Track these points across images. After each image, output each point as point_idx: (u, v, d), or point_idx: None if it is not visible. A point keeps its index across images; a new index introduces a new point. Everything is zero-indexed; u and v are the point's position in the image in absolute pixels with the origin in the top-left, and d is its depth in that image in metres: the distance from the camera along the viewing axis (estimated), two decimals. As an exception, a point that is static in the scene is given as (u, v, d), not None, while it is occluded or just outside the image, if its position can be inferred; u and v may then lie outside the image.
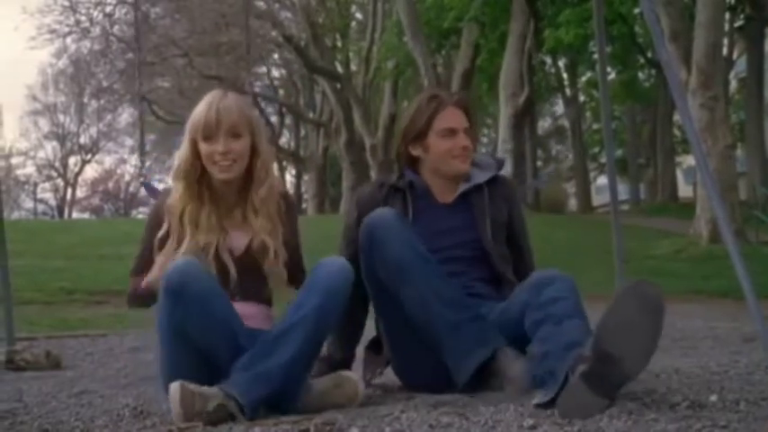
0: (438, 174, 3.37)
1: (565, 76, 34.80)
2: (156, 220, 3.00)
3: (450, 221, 3.33)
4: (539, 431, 2.29)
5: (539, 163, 38.32)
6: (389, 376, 3.42)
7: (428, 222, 3.30)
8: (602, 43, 5.29)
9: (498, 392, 2.86)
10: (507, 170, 20.66)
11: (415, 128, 3.37)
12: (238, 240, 2.95)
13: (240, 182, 2.98)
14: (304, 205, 36.43)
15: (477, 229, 3.31)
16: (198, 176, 2.95)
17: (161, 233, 2.94)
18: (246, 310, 2.91)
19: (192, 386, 2.53)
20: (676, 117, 27.92)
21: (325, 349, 3.23)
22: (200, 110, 2.92)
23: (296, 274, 3.07)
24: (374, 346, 3.41)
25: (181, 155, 2.94)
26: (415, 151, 3.39)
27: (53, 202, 48.03)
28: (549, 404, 2.52)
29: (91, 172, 48.77)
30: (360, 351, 3.46)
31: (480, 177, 3.38)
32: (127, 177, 46.55)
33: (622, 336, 2.47)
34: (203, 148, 2.90)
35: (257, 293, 2.99)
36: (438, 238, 3.27)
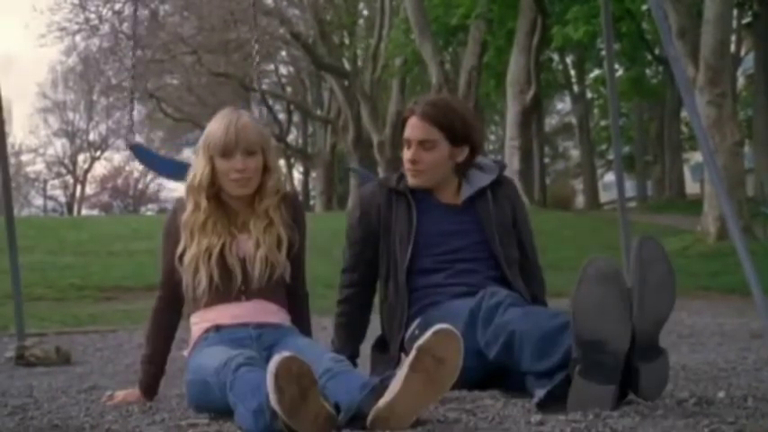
0: None
1: (572, 72, 34.73)
2: (173, 236, 3.07)
3: (457, 223, 3.32)
4: (546, 427, 2.30)
5: (546, 160, 38.25)
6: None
7: (433, 223, 3.31)
8: (609, 40, 5.30)
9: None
10: (514, 167, 20.66)
11: (399, 131, 3.42)
12: (246, 243, 3.00)
13: (250, 196, 3.05)
14: (312, 202, 36.45)
15: (485, 232, 3.31)
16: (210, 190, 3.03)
17: (180, 250, 3.01)
18: (258, 307, 2.98)
19: None
20: (684, 114, 27.83)
21: (330, 347, 3.26)
22: (217, 129, 3.00)
23: (296, 290, 3.12)
24: (380, 345, 3.41)
25: (199, 170, 3.01)
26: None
27: (63, 199, 48.19)
28: (551, 402, 2.53)
29: (100, 169, 48.97)
30: (365, 348, 3.48)
31: (483, 180, 3.38)
32: (136, 174, 46.66)
33: (596, 319, 2.48)
34: (220, 164, 2.99)
35: (271, 294, 3.02)
36: (446, 238, 3.29)
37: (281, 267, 3.00)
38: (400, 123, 3.39)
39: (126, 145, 7.92)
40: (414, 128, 3.29)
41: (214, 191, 3.02)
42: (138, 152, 7.16)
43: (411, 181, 3.33)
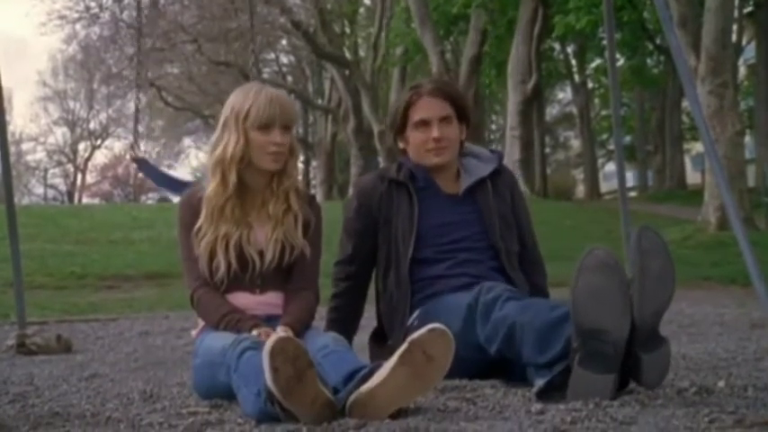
0: (422, 165, 3.34)
1: (573, 62, 34.68)
2: (190, 217, 2.98)
3: (458, 214, 3.32)
4: (547, 416, 2.29)
5: (546, 149, 38.22)
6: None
7: (435, 213, 3.30)
8: (611, 29, 5.28)
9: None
10: (515, 156, 20.66)
11: (396, 121, 3.37)
12: (263, 230, 2.98)
13: (269, 176, 3.01)
14: (312, 191, 36.42)
15: (485, 222, 3.31)
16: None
17: (198, 224, 2.95)
18: (272, 300, 2.99)
19: None
20: (685, 104, 27.84)
21: None
22: (255, 101, 2.91)
23: (306, 286, 3.05)
24: (377, 336, 3.41)
25: (231, 143, 2.92)
26: (402, 144, 3.39)
27: (63, 188, 48.24)
28: (551, 391, 2.53)
29: (100, 157, 48.99)
30: (361, 341, 3.46)
31: (482, 170, 3.37)
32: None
33: (595, 308, 2.47)
34: (257, 138, 2.91)
35: (284, 285, 3.02)
36: (447, 229, 3.28)
37: (299, 247, 2.98)
38: (401, 109, 3.33)
39: (130, 157, 8.21)
40: (431, 106, 3.27)
41: (243, 165, 2.95)
42: (142, 166, 7.51)
43: (435, 160, 3.29)
